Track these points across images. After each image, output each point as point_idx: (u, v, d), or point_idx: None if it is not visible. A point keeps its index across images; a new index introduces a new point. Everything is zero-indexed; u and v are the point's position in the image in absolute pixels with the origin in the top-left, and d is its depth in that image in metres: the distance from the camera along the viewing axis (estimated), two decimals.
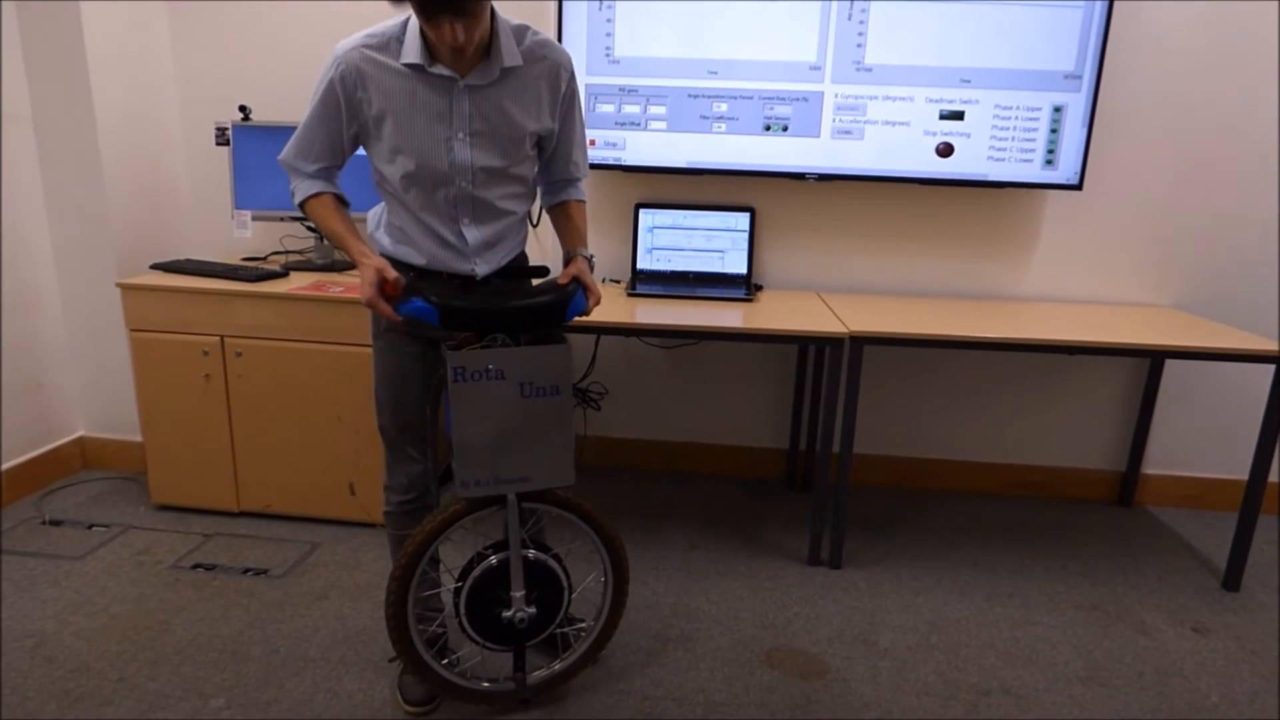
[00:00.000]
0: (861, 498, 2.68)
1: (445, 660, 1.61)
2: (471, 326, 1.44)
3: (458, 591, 1.53)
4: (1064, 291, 2.60)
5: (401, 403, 1.60)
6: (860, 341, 2.07)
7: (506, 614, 1.53)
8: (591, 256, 1.59)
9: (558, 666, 1.66)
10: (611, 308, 2.19)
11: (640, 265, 2.57)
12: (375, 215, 1.62)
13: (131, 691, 1.67)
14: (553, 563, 1.57)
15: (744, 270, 2.55)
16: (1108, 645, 1.93)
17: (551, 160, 1.62)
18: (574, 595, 1.63)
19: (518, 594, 1.53)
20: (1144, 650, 1.92)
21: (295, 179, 1.53)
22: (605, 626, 1.68)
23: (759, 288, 2.60)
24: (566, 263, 1.59)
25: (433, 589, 1.68)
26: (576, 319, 1.56)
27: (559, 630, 1.63)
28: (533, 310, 1.46)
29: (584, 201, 1.68)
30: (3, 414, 2.41)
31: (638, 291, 2.41)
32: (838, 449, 2.15)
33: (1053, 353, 2.15)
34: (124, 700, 1.64)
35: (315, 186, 1.52)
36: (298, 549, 2.24)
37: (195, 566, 2.14)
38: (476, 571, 1.53)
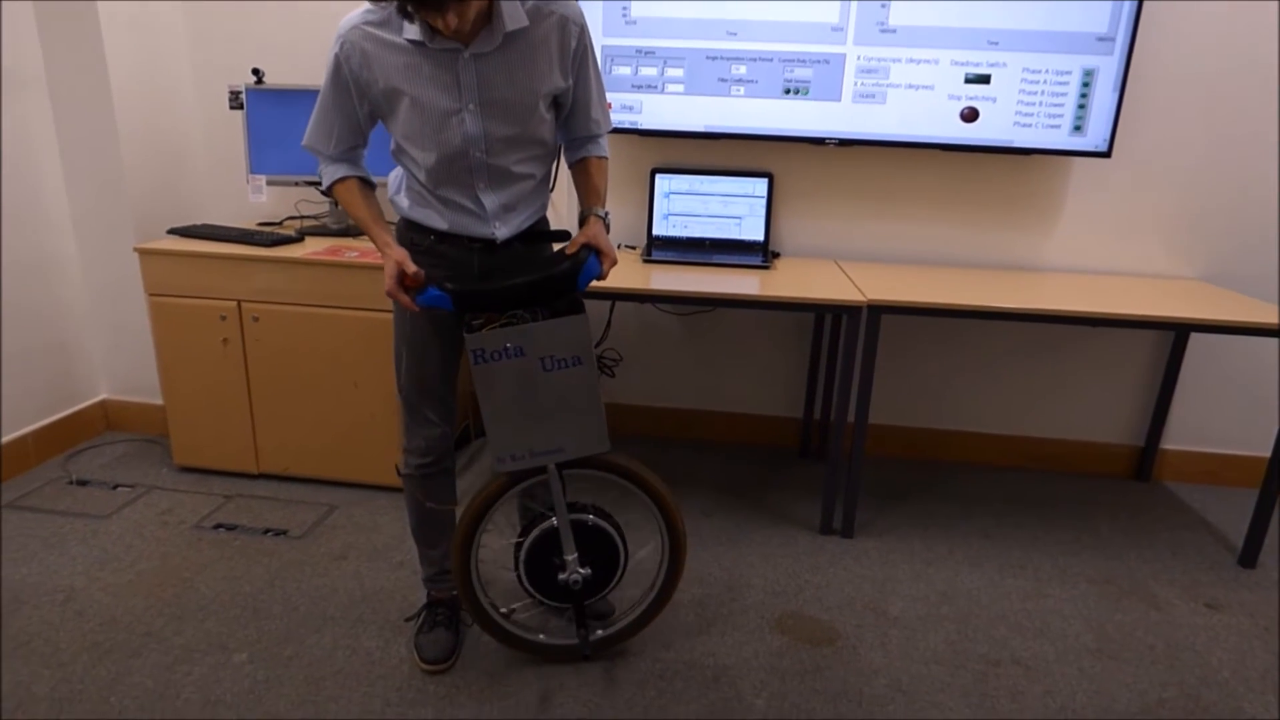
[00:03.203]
0: (875, 467, 2.68)
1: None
2: (486, 308, 1.45)
3: (518, 547, 1.60)
4: (1088, 262, 2.54)
5: (421, 365, 1.61)
6: (878, 310, 2.05)
7: (562, 575, 1.59)
8: (606, 215, 1.56)
9: (619, 625, 1.71)
10: (627, 274, 2.18)
11: (656, 231, 2.54)
12: (395, 178, 1.61)
13: (159, 645, 1.72)
14: (607, 526, 1.61)
15: (761, 237, 2.52)
16: (1119, 619, 1.93)
17: (570, 117, 1.59)
18: (631, 559, 1.66)
19: (570, 557, 1.58)
20: (1155, 624, 1.92)
21: (321, 163, 1.54)
22: (664, 586, 1.70)
23: (776, 255, 2.57)
24: (582, 222, 1.56)
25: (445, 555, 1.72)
26: (592, 284, 1.55)
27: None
28: (544, 284, 1.45)
29: (605, 158, 1.64)
30: (29, 377, 2.46)
31: (653, 258, 2.39)
32: (853, 418, 2.14)
33: (1074, 324, 2.12)
34: (151, 653, 1.70)
35: (340, 171, 1.53)
36: (316, 510, 2.28)
37: (217, 526, 2.19)
38: (535, 533, 1.59)
